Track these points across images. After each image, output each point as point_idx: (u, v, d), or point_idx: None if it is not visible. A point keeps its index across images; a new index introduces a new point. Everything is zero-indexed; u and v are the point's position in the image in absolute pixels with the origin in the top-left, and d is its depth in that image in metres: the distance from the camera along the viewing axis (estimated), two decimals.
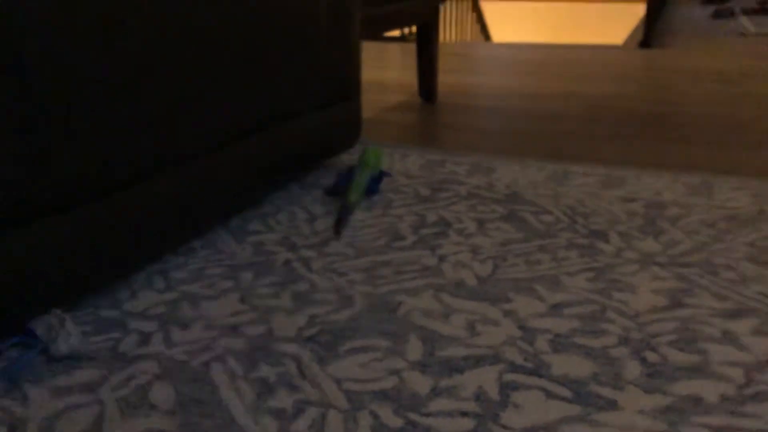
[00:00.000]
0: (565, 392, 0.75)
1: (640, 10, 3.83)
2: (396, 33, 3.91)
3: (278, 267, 1.05)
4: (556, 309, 0.92)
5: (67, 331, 0.80)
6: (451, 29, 5.42)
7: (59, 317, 0.82)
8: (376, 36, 3.75)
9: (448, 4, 5.20)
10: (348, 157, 1.62)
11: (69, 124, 0.82)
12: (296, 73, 1.29)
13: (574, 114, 2.12)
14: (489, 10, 4.92)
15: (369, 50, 3.64)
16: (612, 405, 0.73)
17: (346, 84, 1.51)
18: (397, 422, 0.70)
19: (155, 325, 0.88)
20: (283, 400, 0.74)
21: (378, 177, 1.40)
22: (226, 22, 1.06)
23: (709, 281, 0.99)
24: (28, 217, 0.80)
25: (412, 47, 3.76)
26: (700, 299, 0.94)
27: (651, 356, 0.81)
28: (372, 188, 1.37)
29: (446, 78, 2.72)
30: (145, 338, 0.85)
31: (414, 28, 2.44)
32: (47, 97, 0.78)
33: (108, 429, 0.69)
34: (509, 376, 0.77)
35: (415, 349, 0.83)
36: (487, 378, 0.77)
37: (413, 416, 0.71)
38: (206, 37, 1.03)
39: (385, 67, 3.22)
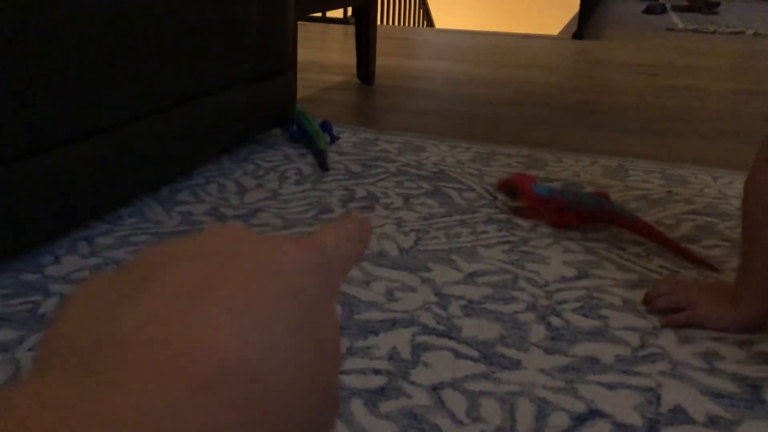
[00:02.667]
0: (473, 353, 0.79)
1: (578, 3, 3.94)
2: (339, 14, 3.91)
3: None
4: (471, 277, 0.96)
5: None
6: (394, 14, 5.44)
7: None
8: (316, 16, 3.71)
9: None
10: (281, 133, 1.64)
11: None
12: (225, 46, 1.30)
13: (505, 99, 2.18)
14: None
15: (311, 31, 3.64)
16: (515, 364, 0.77)
17: (280, 59, 1.52)
18: None
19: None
20: None
21: (324, 125, 1.57)
22: None
23: (616, 255, 1.05)
24: None
25: (353, 29, 3.77)
26: (605, 271, 1.00)
27: (555, 321, 0.86)
28: (332, 137, 1.57)
29: (386, 61, 2.75)
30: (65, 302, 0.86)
31: None
32: None
33: None
34: (422, 338, 0.81)
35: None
36: (400, 339, 0.81)
37: None
38: (131, 8, 1.03)
39: (327, 48, 3.22)
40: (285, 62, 1.53)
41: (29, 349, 0.76)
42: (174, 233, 1.06)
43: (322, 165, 1.40)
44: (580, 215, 1.11)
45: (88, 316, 0.18)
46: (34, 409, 0.14)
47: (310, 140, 1.50)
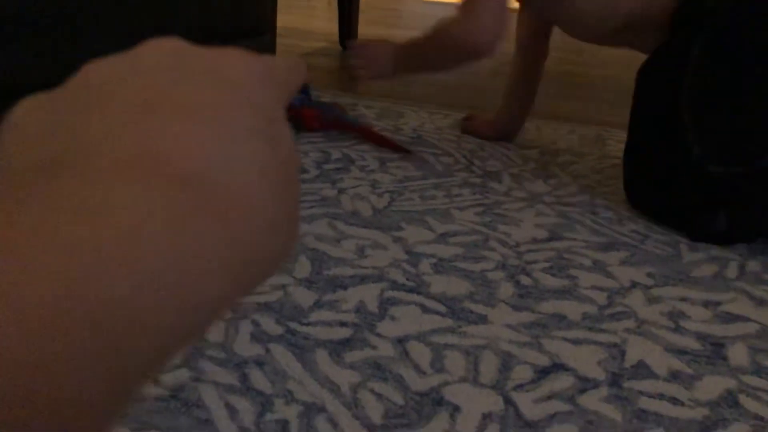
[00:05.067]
0: (440, 308, 0.79)
1: None
2: None
3: None
4: (442, 237, 0.96)
5: None
6: None
7: None
8: None
9: None
10: None
11: None
12: (202, 4, 1.27)
13: (487, 68, 2.17)
14: None
15: None
16: (482, 319, 0.77)
17: (258, 19, 1.49)
18: (277, 330, 0.73)
19: None
20: None
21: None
22: None
23: (589, 219, 1.05)
24: None
25: None
26: (577, 234, 1.00)
27: (525, 280, 0.86)
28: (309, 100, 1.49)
29: (369, 29, 2.72)
30: None
31: None
32: None
33: None
34: (390, 293, 0.81)
35: (303, 268, 0.85)
36: (368, 294, 0.81)
37: (293, 325, 0.74)
38: None
39: (310, 15, 3.18)
40: (263, 23, 1.51)
41: None
42: None
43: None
44: (321, 121, 1.35)
45: (38, 135, 0.17)
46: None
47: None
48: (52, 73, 0.97)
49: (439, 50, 1.17)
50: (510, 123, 1.40)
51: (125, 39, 0.96)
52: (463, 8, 1.11)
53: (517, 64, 1.37)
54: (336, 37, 2.40)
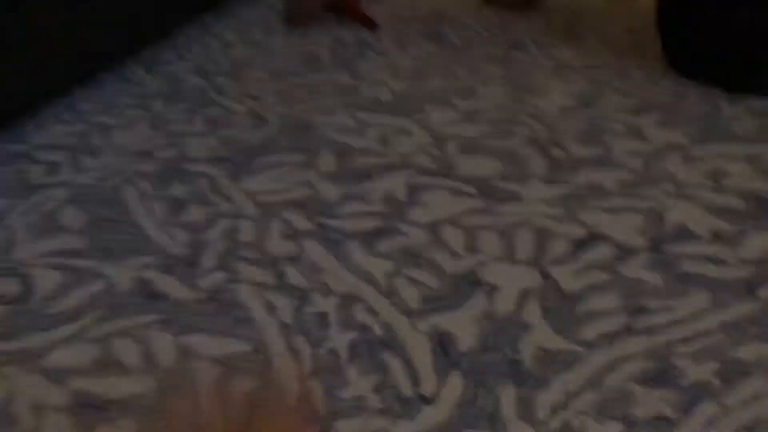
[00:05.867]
0: (470, 189, 0.77)
1: None
2: None
3: (190, 94, 1.02)
4: (468, 116, 0.92)
5: None
6: None
7: None
8: None
9: None
10: None
11: None
12: None
13: None
14: None
15: None
16: (515, 197, 0.75)
17: None
18: (308, 225, 0.72)
19: (63, 155, 0.86)
20: (195, 214, 0.74)
21: None
22: None
23: (621, 82, 1.00)
24: None
25: None
26: (608, 98, 0.95)
27: (556, 152, 0.83)
28: None
29: None
30: (53, 168, 0.84)
31: None
32: None
33: (18, 251, 0.69)
34: (417, 179, 0.79)
35: (327, 162, 0.83)
36: (396, 182, 0.79)
37: (323, 219, 0.73)
38: None
39: None
40: None
41: (21, 216, 0.75)
42: (158, 94, 1.02)
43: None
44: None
45: None
46: None
47: None
48: None
49: None
50: None
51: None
52: None
53: None
54: None
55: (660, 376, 0.53)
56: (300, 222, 0.73)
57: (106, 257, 0.68)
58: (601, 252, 0.66)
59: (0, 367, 0.55)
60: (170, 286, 0.64)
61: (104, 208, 0.76)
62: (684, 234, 0.69)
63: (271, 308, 0.61)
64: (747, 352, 0.55)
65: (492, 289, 0.62)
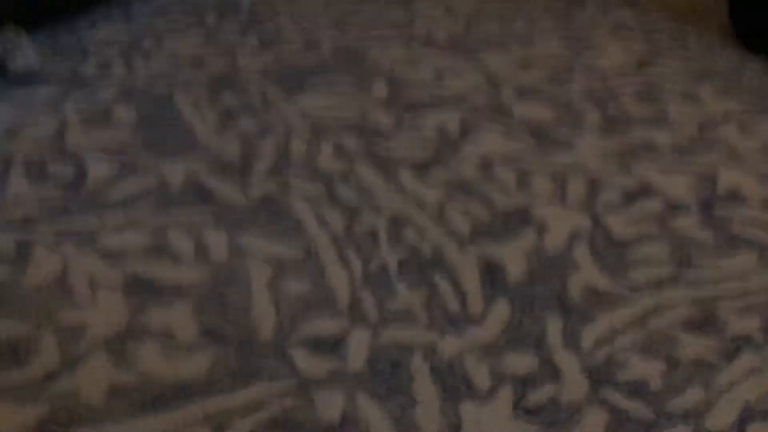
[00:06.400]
0: (524, 133, 0.76)
1: None
2: None
3: (244, 10, 1.01)
4: (524, 63, 0.91)
5: (24, 49, 0.78)
6: None
7: (15, 34, 0.79)
8: None
9: None
10: None
11: None
12: None
13: None
14: None
15: None
16: (567, 146, 0.75)
17: None
18: (359, 148, 0.72)
19: (116, 53, 0.86)
20: (247, 124, 0.74)
21: None
22: None
23: (679, 45, 0.99)
24: None
25: None
26: (666, 61, 0.94)
27: (612, 107, 0.82)
28: None
29: None
30: (105, 64, 0.84)
31: None
32: None
33: (70, 139, 0.70)
34: (471, 115, 0.79)
35: (381, 90, 0.83)
36: (450, 117, 0.78)
37: (375, 144, 0.73)
38: None
39: None
40: None
41: (74, 104, 0.75)
42: (213, 7, 1.01)
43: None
44: None
45: None
46: None
47: None
48: None
49: None
50: None
51: None
52: None
53: None
54: None
55: (704, 325, 0.53)
56: (351, 144, 0.72)
57: (159, 155, 0.68)
58: (651, 205, 0.66)
59: (55, 245, 0.56)
60: (222, 188, 0.64)
61: (156, 109, 0.76)
62: (735, 198, 0.68)
63: (322, 221, 0.61)
64: None
65: (542, 228, 0.62)
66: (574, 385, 0.47)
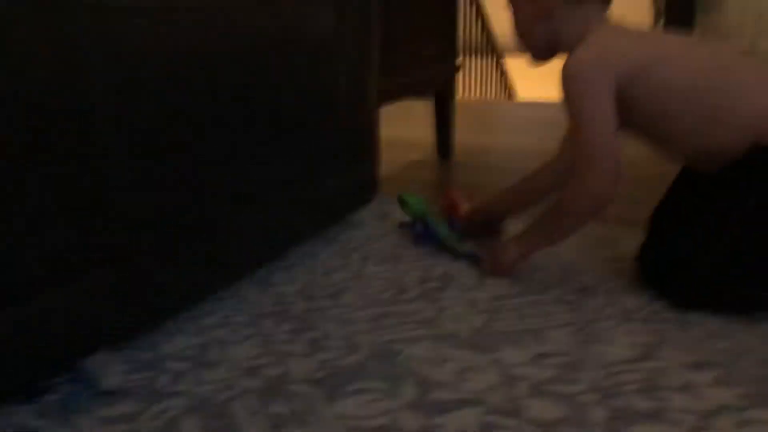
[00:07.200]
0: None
1: None
2: None
3: (295, 315, 1.18)
4: (538, 359, 1.03)
5: (115, 369, 0.94)
6: (473, 85, 5.60)
7: (110, 356, 0.96)
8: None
9: (471, 59, 5.40)
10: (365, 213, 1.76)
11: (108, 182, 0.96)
12: (318, 138, 1.44)
13: None
14: (514, 66, 5.08)
15: (395, 106, 3.82)
16: None
17: (365, 147, 1.66)
18: None
19: (187, 366, 1.02)
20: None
21: (450, 224, 1.58)
22: (255, 88, 1.21)
23: (682, 335, 1.09)
24: (74, 274, 0.92)
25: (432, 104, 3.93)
26: (668, 353, 1.04)
27: (616, 402, 0.92)
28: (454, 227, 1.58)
29: (467, 137, 2.87)
30: (177, 376, 0.99)
31: None
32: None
33: None
34: (489, 418, 0.89)
35: (409, 392, 0.95)
36: (469, 419, 0.89)
37: None
38: (235, 101, 1.17)
39: (410, 125, 3.38)
40: (370, 150, 1.67)
41: (149, 420, 0.89)
42: (268, 314, 1.19)
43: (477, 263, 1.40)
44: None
45: None
46: None
47: (447, 246, 1.49)
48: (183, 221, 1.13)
49: (567, 219, 1.26)
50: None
51: (249, 172, 1.13)
52: (583, 163, 1.21)
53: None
54: (430, 145, 2.56)
55: None
56: None
57: None
58: None
59: None
60: None
61: (217, 420, 0.89)
62: None
63: None
64: None
65: None
66: None
